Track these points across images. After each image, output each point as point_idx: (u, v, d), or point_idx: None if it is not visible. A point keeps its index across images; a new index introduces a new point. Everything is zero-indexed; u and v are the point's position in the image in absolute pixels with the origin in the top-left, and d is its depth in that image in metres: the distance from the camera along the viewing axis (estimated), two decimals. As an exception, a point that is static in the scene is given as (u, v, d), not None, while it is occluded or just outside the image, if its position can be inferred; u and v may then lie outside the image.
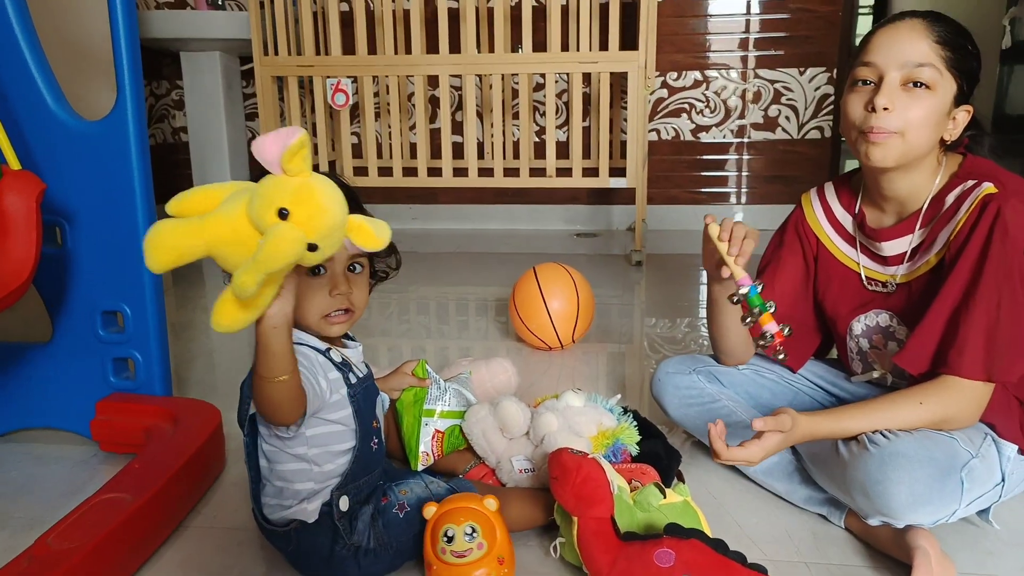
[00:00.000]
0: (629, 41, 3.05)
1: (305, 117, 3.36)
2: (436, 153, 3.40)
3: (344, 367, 1.03)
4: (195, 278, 2.83)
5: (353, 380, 1.03)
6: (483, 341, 2.09)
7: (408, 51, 3.26)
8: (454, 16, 3.09)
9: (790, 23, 3.27)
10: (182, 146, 3.74)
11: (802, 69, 3.30)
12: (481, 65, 2.87)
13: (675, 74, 3.39)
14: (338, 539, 1.00)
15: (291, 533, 1.01)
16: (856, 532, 1.11)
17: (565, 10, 3.18)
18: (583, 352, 1.97)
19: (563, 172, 3.07)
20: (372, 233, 0.83)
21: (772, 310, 1.03)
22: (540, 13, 3.18)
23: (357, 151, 3.52)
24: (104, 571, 0.99)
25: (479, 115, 3.45)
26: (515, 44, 3.21)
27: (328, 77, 2.94)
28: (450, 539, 0.95)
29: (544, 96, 3.24)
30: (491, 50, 3.18)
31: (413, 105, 3.45)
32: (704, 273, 2.79)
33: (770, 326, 1.03)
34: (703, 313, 2.33)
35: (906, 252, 1.13)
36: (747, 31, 3.31)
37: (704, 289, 2.65)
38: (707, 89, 3.39)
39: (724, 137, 3.44)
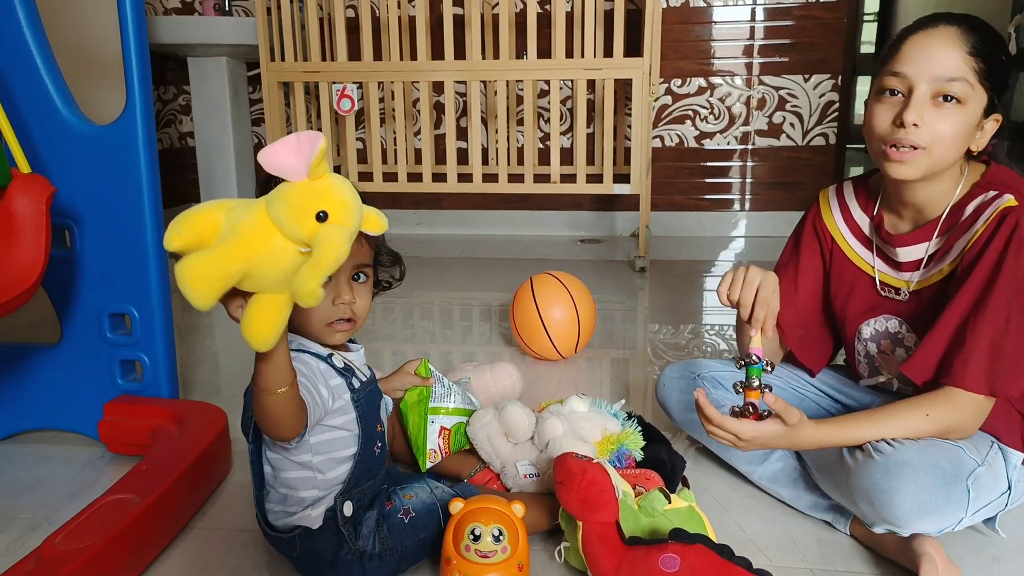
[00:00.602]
0: (633, 48, 3.06)
1: (311, 123, 3.37)
2: (441, 159, 3.41)
3: (347, 372, 1.03)
4: (200, 282, 2.83)
5: (356, 385, 1.03)
6: (487, 346, 2.09)
7: (414, 57, 3.27)
8: (459, 23, 3.10)
9: (795, 30, 3.27)
10: (189, 151, 3.76)
11: (807, 76, 3.31)
12: (486, 72, 2.88)
13: (679, 81, 3.40)
14: (343, 544, 1.00)
15: (296, 539, 1.01)
16: (861, 539, 1.11)
17: (570, 17, 3.19)
18: (587, 358, 1.97)
19: (567, 178, 3.08)
20: (376, 219, 0.84)
21: (763, 389, 1.03)
22: (545, 20, 3.19)
23: (362, 156, 3.54)
24: (111, 572, 0.99)
25: (484, 121, 3.46)
26: (520, 51, 3.22)
27: (334, 83, 2.95)
28: (477, 537, 0.95)
29: (548, 102, 3.26)
30: (496, 57, 3.20)
31: (418, 111, 3.46)
32: (707, 280, 2.80)
33: (753, 400, 1.04)
34: (707, 319, 2.34)
35: (921, 259, 1.12)
36: (752, 38, 3.32)
37: (708, 295, 2.65)
38: (711, 96, 3.40)
39: (728, 144, 3.45)
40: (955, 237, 1.07)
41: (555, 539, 1.08)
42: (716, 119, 3.42)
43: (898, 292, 1.16)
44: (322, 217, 0.74)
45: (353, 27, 3.22)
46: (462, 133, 3.46)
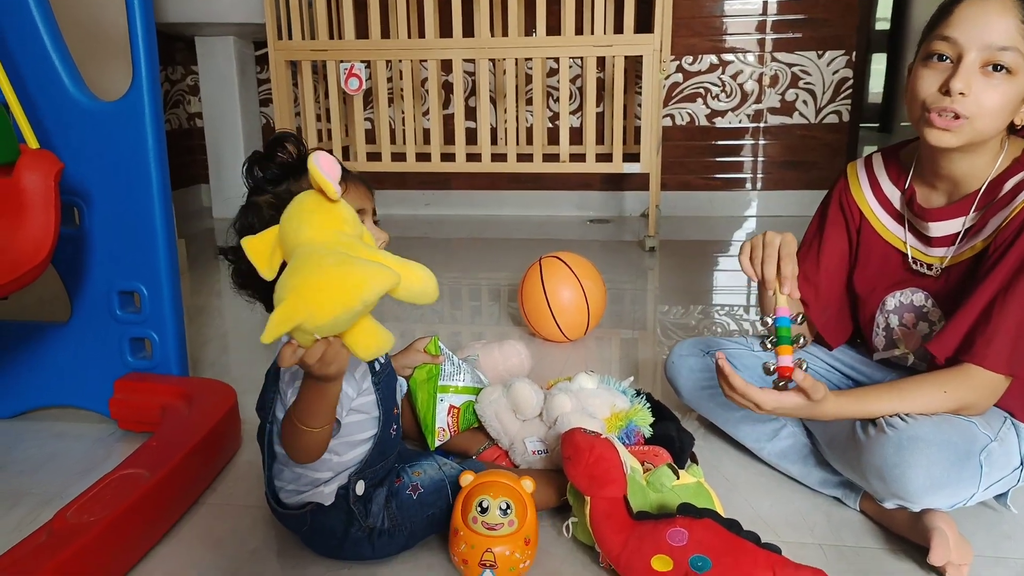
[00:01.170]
0: (644, 24, 3.02)
1: (319, 102, 3.36)
2: (449, 139, 3.40)
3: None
4: (210, 263, 2.84)
5: (376, 368, 1.04)
6: (495, 327, 2.09)
7: (422, 35, 3.25)
8: (468, 0, 3.08)
9: (808, 5, 3.22)
10: (198, 132, 3.76)
11: (820, 52, 3.26)
12: (495, 49, 2.86)
13: (691, 58, 3.36)
14: (353, 522, 1.01)
15: (306, 515, 1.01)
16: (871, 515, 1.11)
17: (580, -6, 3.16)
18: (596, 338, 1.96)
19: (576, 158, 3.06)
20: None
21: (796, 344, 1.01)
22: (554, -3, 3.16)
23: (370, 136, 3.52)
24: (122, 545, 1.00)
25: (492, 101, 3.44)
26: (529, 28, 3.19)
27: (342, 61, 2.93)
28: (484, 510, 0.95)
29: (558, 81, 3.23)
30: (505, 34, 3.17)
31: (427, 91, 3.44)
32: (718, 260, 2.78)
33: (784, 359, 1.01)
34: (717, 300, 2.32)
35: (955, 234, 1.09)
36: (764, 14, 3.27)
37: (719, 275, 2.63)
38: (723, 73, 3.36)
39: (740, 122, 3.41)
40: (991, 213, 1.05)
41: (563, 515, 1.08)
42: (728, 97, 3.39)
43: (930, 268, 1.14)
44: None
45: (361, 5, 3.19)
46: (471, 113, 3.44)
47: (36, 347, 1.46)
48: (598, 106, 3.35)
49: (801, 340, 1.02)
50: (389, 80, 3.39)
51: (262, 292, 0.98)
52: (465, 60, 2.96)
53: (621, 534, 0.94)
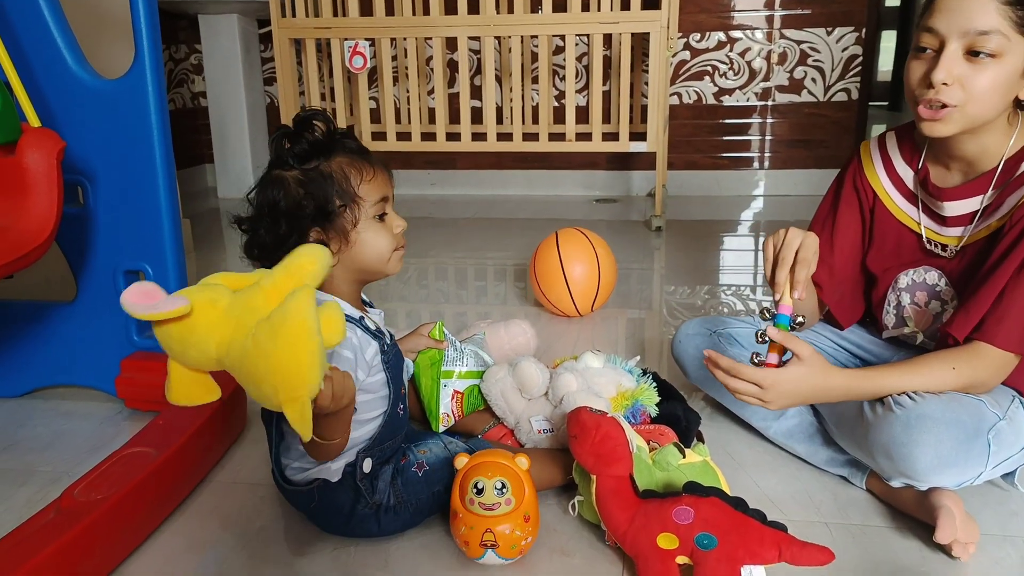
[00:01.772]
0: (651, 0, 2.99)
1: (323, 81, 3.34)
2: (455, 118, 3.38)
3: (379, 335, 1.04)
4: (215, 243, 2.84)
5: (385, 347, 1.04)
6: (501, 306, 2.08)
7: (426, 12, 3.22)
8: (473, -23, 3.04)
9: (818, -18, 3.18)
10: (202, 111, 3.75)
11: (829, 29, 3.22)
12: (500, 27, 2.83)
13: (698, 35, 3.32)
14: (360, 498, 1.01)
15: (314, 491, 1.02)
16: (878, 493, 1.11)
17: (586, -30, 3.12)
18: (602, 317, 1.96)
19: (583, 136, 3.04)
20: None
21: (787, 356, 1.02)
22: (561, -27, 3.12)
23: (375, 116, 3.50)
24: (130, 522, 1.01)
25: (498, 79, 3.41)
26: (535, 5, 3.15)
27: (346, 39, 2.91)
28: (480, 491, 0.95)
29: (564, 59, 3.20)
30: (510, 11, 3.13)
31: (431, 69, 3.42)
32: (725, 240, 2.76)
33: (772, 357, 1.02)
34: (723, 280, 2.31)
35: (972, 213, 1.08)
36: (773, -10, 3.23)
37: (725, 255, 2.62)
38: (731, 51, 3.32)
39: (748, 100, 3.38)
40: (1007, 192, 1.04)
41: (569, 493, 1.09)
42: (735, 75, 3.35)
43: (944, 249, 1.13)
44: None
45: (365, -18, 3.16)
46: (476, 91, 3.42)
47: (42, 326, 1.47)
48: (604, 84, 3.32)
49: (800, 319, 1.02)
50: (394, 58, 3.36)
51: (273, 263, 0.98)
52: (470, 38, 2.93)
53: (627, 512, 0.94)
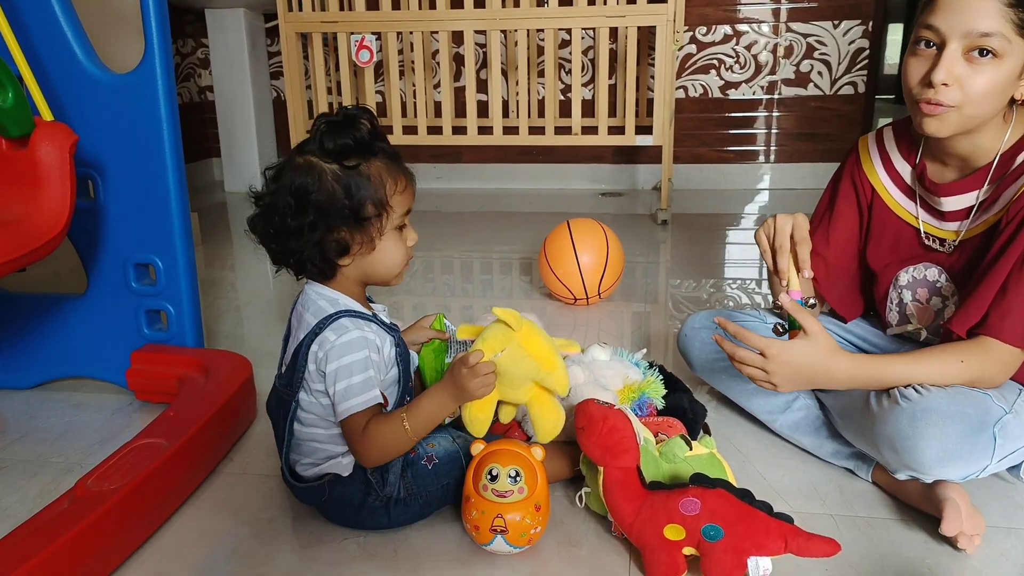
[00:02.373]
0: (658, -6, 2.98)
1: (330, 75, 3.34)
2: (461, 111, 3.37)
3: (394, 329, 1.05)
4: (223, 236, 2.86)
5: (398, 340, 1.05)
6: (507, 300, 2.09)
7: (432, 6, 3.22)
8: (479, -30, 3.04)
9: (825, -25, 3.17)
10: (208, 105, 3.75)
11: (836, 22, 3.21)
12: (506, 20, 2.82)
13: (704, 28, 3.31)
14: (370, 491, 1.02)
15: (325, 485, 1.03)
16: (884, 486, 1.11)
17: (592, -37, 3.11)
18: (608, 310, 1.96)
19: (589, 130, 3.04)
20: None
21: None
22: (567, -34, 3.11)
23: (382, 110, 3.50)
24: (142, 512, 1.02)
25: (504, 73, 3.41)
26: (541, -1, 3.15)
27: (352, 33, 2.91)
28: (494, 477, 0.96)
29: (570, 53, 3.19)
30: (516, 5, 3.13)
31: (438, 63, 3.42)
32: (730, 233, 2.76)
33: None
34: (729, 273, 2.32)
35: (968, 208, 1.09)
36: (780, -17, 3.22)
37: (731, 249, 2.62)
38: (737, 44, 3.31)
39: (754, 94, 3.37)
40: (1003, 187, 1.04)
41: (576, 485, 1.10)
42: (742, 68, 3.34)
43: (943, 243, 1.13)
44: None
45: (371, -24, 3.16)
46: (482, 85, 3.42)
47: (54, 319, 1.48)
48: (610, 78, 3.32)
49: (812, 301, 1.02)
50: (400, 52, 3.37)
51: (272, 241, 0.99)
52: (476, 32, 2.93)
53: (634, 503, 0.95)
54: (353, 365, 0.96)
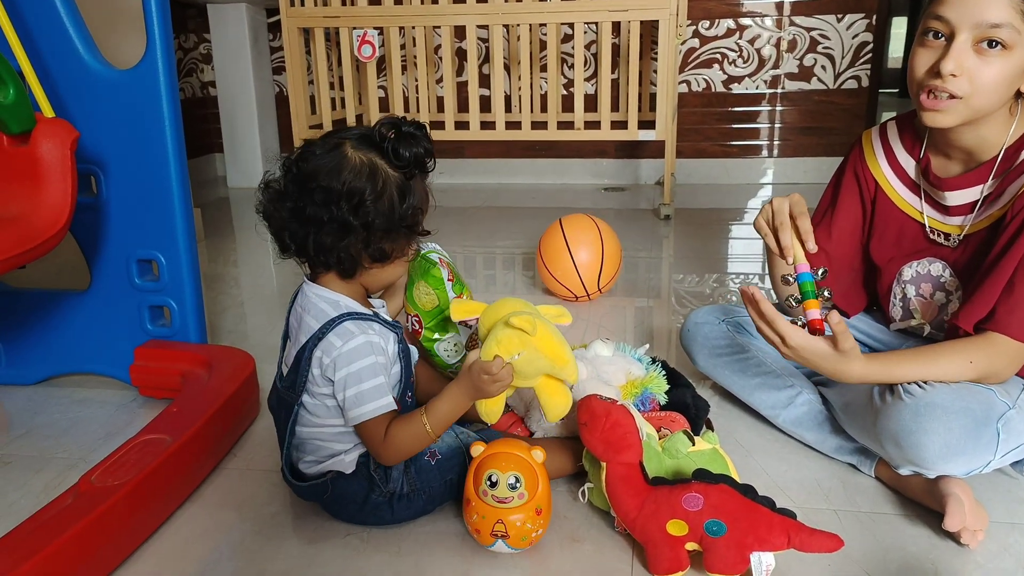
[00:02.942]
0: (661, -12, 2.97)
1: (332, 70, 3.34)
2: (463, 106, 3.37)
3: (396, 326, 1.05)
4: (226, 231, 2.86)
5: (400, 336, 1.05)
6: (511, 295, 2.08)
7: (435, 1, 3.21)
8: (481, -36, 3.03)
9: (828, -32, 3.16)
10: (211, 100, 3.75)
11: (840, 16, 3.20)
12: (509, 15, 2.82)
13: (707, 23, 3.30)
14: (374, 488, 1.02)
15: (328, 483, 1.03)
16: (887, 481, 1.11)
17: (595, -43, 3.10)
18: (611, 305, 1.96)
19: (591, 125, 3.03)
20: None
21: (824, 296, 1.00)
22: (569, -40, 3.10)
23: (384, 105, 3.50)
24: (146, 507, 1.02)
25: (506, 68, 3.40)
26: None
27: (355, 28, 2.91)
28: (494, 483, 0.95)
29: (573, 47, 3.19)
30: (519, -1, 3.13)
31: (440, 58, 3.41)
32: (733, 228, 2.76)
33: (812, 312, 0.99)
34: (732, 268, 2.31)
35: (973, 203, 1.08)
36: (783, -24, 3.20)
37: (734, 244, 2.62)
38: (740, 38, 3.30)
39: (757, 88, 3.36)
40: (1007, 181, 1.04)
41: (579, 481, 1.09)
42: (745, 62, 3.33)
43: (947, 238, 1.13)
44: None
45: (373, -29, 3.15)
46: (485, 80, 3.41)
47: (57, 315, 1.48)
48: (613, 72, 3.31)
49: (822, 269, 1.01)
50: (402, 47, 3.36)
51: (299, 232, 0.97)
52: (479, 26, 2.92)
53: (637, 499, 0.95)
54: (362, 372, 0.96)
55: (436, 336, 1.34)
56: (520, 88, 3.22)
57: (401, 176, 0.96)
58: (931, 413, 0.97)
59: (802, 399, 1.24)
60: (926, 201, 1.15)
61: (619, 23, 3.14)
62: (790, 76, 3.32)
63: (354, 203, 0.93)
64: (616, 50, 3.27)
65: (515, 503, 0.95)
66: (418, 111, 3.21)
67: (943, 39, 0.99)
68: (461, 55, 3.41)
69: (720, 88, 3.39)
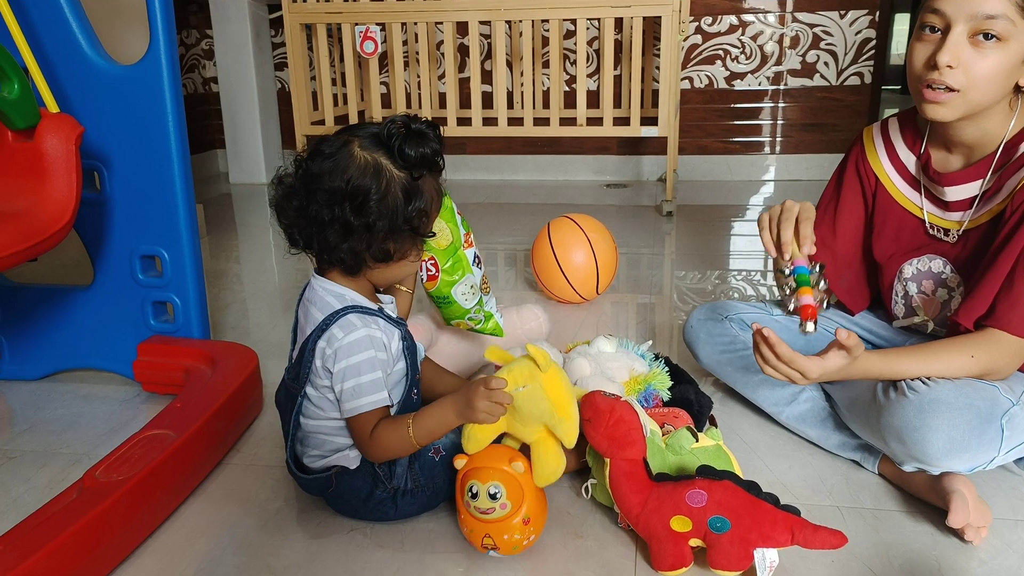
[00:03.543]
0: (663, -15, 2.96)
1: (334, 66, 3.34)
2: (465, 102, 3.37)
3: (401, 323, 1.05)
4: (228, 227, 2.86)
5: (405, 333, 1.05)
6: (512, 291, 2.09)
7: (437, -3, 3.21)
8: (484, -40, 3.02)
9: (831, -36, 3.15)
10: (213, 96, 3.75)
11: (843, 12, 3.19)
12: (511, 11, 2.81)
13: (710, 19, 3.30)
14: (378, 483, 1.02)
15: (332, 477, 1.03)
16: (890, 478, 1.11)
17: (597, -47, 3.09)
18: (613, 302, 1.96)
19: (594, 121, 3.03)
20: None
21: (819, 288, 0.99)
22: (572, -44, 3.10)
23: (386, 101, 3.50)
24: (151, 502, 1.02)
25: (509, 64, 3.40)
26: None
27: (357, 24, 2.91)
28: (475, 495, 0.94)
29: (575, 44, 3.18)
30: (521, -5, 3.12)
31: (442, 54, 3.41)
32: (735, 224, 2.76)
33: (806, 298, 0.97)
34: (734, 264, 2.31)
35: (972, 198, 1.09)
36: (786, -27, 3.20)
37: (736, 240, 2.62)
38: (743, 34, 3.30)
39: (759, 84, 3.36)
40: (1006, 176, 1.04)
41: (582, 477, 1.10)
42: (747, 59, 3.33)
43: (947, 233, 1.13)
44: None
45: (375, -34, 3.14)
46: (487, 76, 3.41)
47: (60, 310, 1.48)
48: (616, 69, 3.31)
49: (824, 302, 1.01)
50: (404, 43, 3.35)
51: (308, 229, 0.97)
52: (481, 22, 2.92)
53: (640, 495, 0.95)
54: (361, 365, 0.97)
55: (455, 277, 1.31)
56: (522, 84, 3.22)
57: (407, 176, 0.95)
58: (935, 409, 0.97)
59: (805, 396, 1.24)
60: (926, 197, 1.15)
61: (622, 19, 3.14)
62: (792, 72, 3.31)
63: (357, 203, 0.93)
64: (619, 46, 3.27)
65: (498, 513, 0.93)
66: (420, 107, 3.20)
67: (939, 33, 1.00)
68: (463, 51, 3.41)
69: (723, 84, 3.38)
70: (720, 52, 3.34)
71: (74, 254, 1.52)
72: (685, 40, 3.27)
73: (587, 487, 1.06)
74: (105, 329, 1.46)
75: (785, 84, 3.34)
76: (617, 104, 3.28)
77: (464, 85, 3.41)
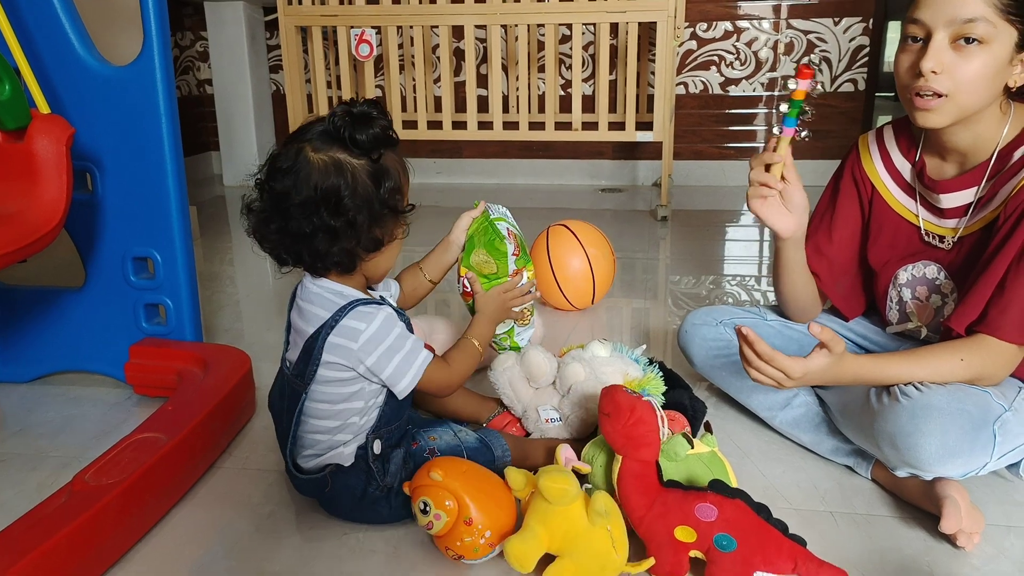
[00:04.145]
0: (659, -10, 2.97)
1: (329, 69, 3.33)
2: (461, 106, 3.37)
3: (401, 312, 1.05)
4: (222, 230, 2.85)
5: (406, 321, 1.04)
6: (507, 294, 2.08)
7: (433, 0, 3.21)
8: (479, -36, 3.03)
9: (826, -29, 3.16)
10: (207, 99, 3.74)
11: (837, 19, 3.20)
12: (507, 15, 2.82)
13: (705, 25, 3.31)
14: (371, 481, 1.02)
15: (327, 476, 1.03)
16: (883, 483, 1.11)
17: (593, -42, 3.10)
18: (607, 307, 1.96)
19: (589, 126, 3.03)
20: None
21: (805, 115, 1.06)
22: (567, -39, 3.10)
23: (381, 104, 3.49)
24: (141, 506, 1.02)
25: (504, 68, 3.40)
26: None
27: (352, 27, 2.90)
28: (414, 516, 0.95)
29: (571, 48, 3.19)
30: None
31: (438, 58, 3.41)
32: (730, 230, 2.76)
33: (789, 120, 1.09)
34: (728, 269, 2.31)
35: (967, 205, 1.09)
36: (781, -21, 3.21)
37: (731, 245, 2.62)
38: (738, 40, 3.31)
39: (754, 90, 3.37)
40: (1000, 183, 1.04)
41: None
42: (742, 65, 3.34)
43: (942, 240, 1.13)
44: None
45: (371, -30, 3.15)
46: (482, 80, 3.41)
47: (52, 312, 1.48)
48: (611, 74, 3.32)
49: (804, 134, 1.05)
50: (400, 47, 3.36)
51: (290, 243, 0.97)
52: (477, 26, 2.92)
53: (647, 497, 0.94)
54: (394, 343, 0.99)
55: None
56: (518, 88, 3.22)
57: (368, 162, 0.95)
58: (928, 415, 0.97)
59: (798, 401, 1.24)
60: (921, 204, 1.15)
61: (617, 24, 3.14)
62: (787, 79, 3.32)
63: (332, 205, 0.93)
64: (614, 51, 3.28)
65: (437, 527, 0.93)
66: (415, 111, 3.20)
67: (921, 42, 1.01)
68: (459, 55, 3.41)
69: (717, 90, 3.39)
70: (715, 58, 3.35)
71: (66, 256, 1.51)
72: (680, 46, 3.28)
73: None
74: (97, 331, 1.45)
75: (779, 90, 3.35)
76: (612, 109, 3.29)
77: (460, 89, 3.41)
